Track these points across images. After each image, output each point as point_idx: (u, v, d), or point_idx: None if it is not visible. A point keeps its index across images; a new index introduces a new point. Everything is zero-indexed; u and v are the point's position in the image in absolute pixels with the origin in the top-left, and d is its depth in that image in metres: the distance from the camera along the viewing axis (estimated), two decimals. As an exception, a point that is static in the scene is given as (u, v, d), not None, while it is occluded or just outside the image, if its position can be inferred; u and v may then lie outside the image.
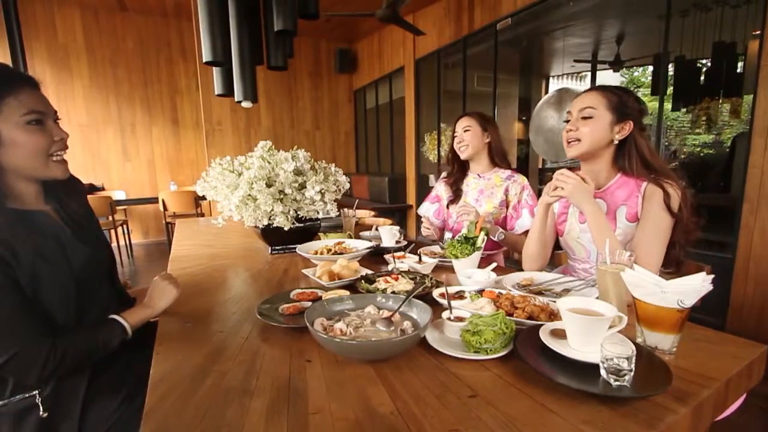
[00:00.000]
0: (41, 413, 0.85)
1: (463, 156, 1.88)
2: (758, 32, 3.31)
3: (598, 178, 1.25)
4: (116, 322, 0.92)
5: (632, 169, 1.18)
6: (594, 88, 1.22)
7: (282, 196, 1.57)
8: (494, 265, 1.27)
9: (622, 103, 1.16)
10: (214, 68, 1.94)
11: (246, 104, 1.86)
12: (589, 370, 0.68)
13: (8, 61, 3.08)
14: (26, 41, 3.66)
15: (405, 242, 1.70)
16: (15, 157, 0.83)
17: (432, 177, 5.42)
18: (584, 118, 1.18)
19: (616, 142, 1.19)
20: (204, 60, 1.74)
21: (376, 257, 1.59)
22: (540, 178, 6.16)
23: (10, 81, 0.83)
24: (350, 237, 1.79)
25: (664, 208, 1.09)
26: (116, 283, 1.12)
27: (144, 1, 5.02)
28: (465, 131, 1.84)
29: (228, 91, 1.95)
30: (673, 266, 1.17)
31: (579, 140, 1.19)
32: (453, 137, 1.91)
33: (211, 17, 1.65)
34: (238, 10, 1.74)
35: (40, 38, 4.90)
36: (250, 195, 1.53)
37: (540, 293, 1.08)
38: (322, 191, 1.62)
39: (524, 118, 5.78)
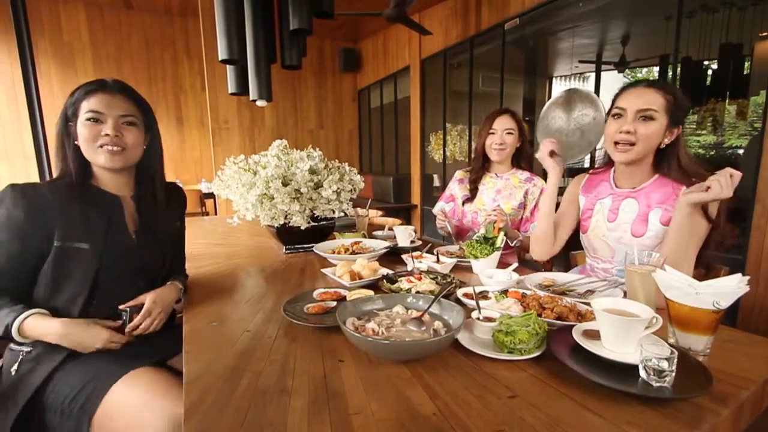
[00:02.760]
0: (13, 369, 0.95)
1: (497, 159, 1.80)
2: (766, 34, 3.32)
3: (635, 179, 1.22)
4: (8, 322, 0.90)
5: (670, 173, 1.13)
6: (651, 83, 1.12)
7: (298, 195, 1.57)
8: (515, 265, 1.27)
9: (677, 106, 1.09)
10: (228, 67, 1.94)
11: (261, 103, 1.85)
12: (626, 370, 0.68)
13: (15, 59, 3.08)
14: (32, 38, 3.65)
15: (420, 242, 1.69)
16: (81, 144, 1.03)
17: (436, 177, 5.42)
18: (645, 119, 1.10)
19: (663, 146, 1.14)
20: (220, 58, 1.74)
21: (391, 257, 1.59)
22: (544, 179, 6.16)
23: (91, 89, 1.02)
24: (364, 236, 1.80)
25: (701, 214, 1.06)
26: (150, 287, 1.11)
27: (149, 0, 5.01)
28: (508, 134, 1.75)
29: (241, 89, 1.94)
30: (702, 268, 1.15)
31: (633, 144, 1.12)
32: (488, 134, 1.78)
33: (227, 16, 1.65)
34: (254, 9, 1.74)
35: (45, 36, 4.89)
36: (266, 194, 1.53)
37: (563, 294, 1.08)
38: (338, 191, 1.62)
39: (528, 118, 5.78)
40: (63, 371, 0.94)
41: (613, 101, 1.19)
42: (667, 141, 1.13)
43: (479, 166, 1.87)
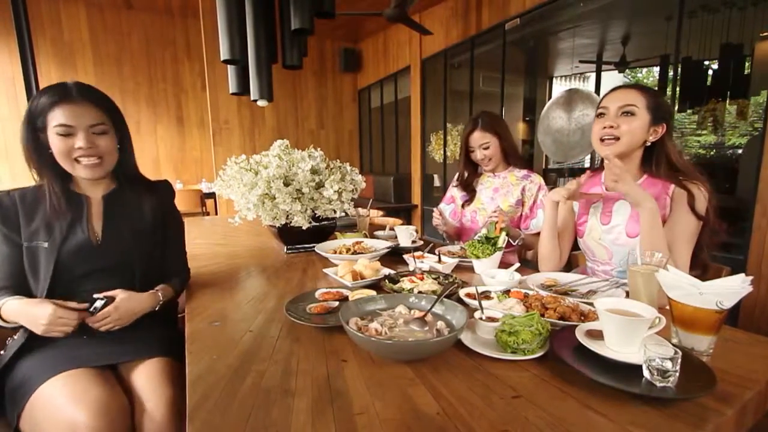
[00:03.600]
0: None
1: (487, 169, 1.85)
2: (766, 34, 3.33)
3: None
4: None
5: (659, 173, 1.16)
6: (632, 85, 1.19)
7: (299, 195, 1.57)
8: (517, 265, 1.27)
9: (659, 105, 1.14)
10: (228, 67, 1.94)
11: (262, 103, 1.85)
12: (629, 370, 0.68)
13: (16, 58, 3.09)
14: (32, 38, 3.66)
15: (421, 242, 1.69)
16: (56, 157, 1.04)
17: (436, 177, 5.42)
18: (625, 114, 1.14)
19: (649, 144, 1.17)
20: (222, 58, 1.74)
21: (393, 257, 1.59)
22: (544, 179, 6.16)
23: (58, 99, 1.00)
24: (365, 236, 1.80)
25: (690, 211, 1.08)
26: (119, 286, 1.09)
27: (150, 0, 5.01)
28: (484, 149, 1.77)
29: (242, 89, 1.94)
30: (699, 269, 1.16)
31: (617, 138, 1.15)
32: (468, 150, 1.83)
33: (228, 16, 1.65)
34: (255, 9, 1.74)
35: (46, 35, 4.88)
36: (267, 194, 1.53)
37: (566, 294, 1.08)
38: (340, 191, 1.62)
39: (528, 118, 5.79)
40: (21, 361, 0.98)
41: (598, 106, 1.23)
42: (652, 138, 1.16)
43: (466, 173, 1.91)
